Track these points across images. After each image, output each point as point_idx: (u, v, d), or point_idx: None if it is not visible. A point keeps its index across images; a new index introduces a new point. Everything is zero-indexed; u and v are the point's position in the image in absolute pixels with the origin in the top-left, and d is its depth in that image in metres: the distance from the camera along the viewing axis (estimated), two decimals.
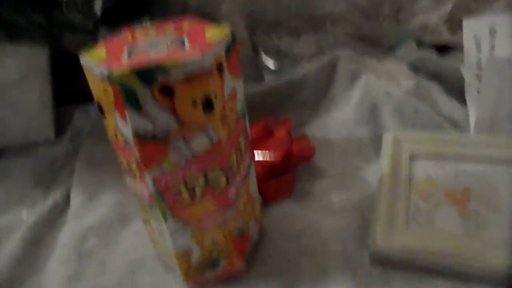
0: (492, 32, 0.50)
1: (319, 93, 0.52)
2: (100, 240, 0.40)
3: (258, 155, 0.40)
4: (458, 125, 0.46)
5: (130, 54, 0.25)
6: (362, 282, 0.33)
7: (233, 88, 0.28)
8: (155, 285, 0.35)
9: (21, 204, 0.46)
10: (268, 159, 0.40)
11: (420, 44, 0.62)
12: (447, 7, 0.59)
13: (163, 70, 0.23)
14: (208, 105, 0.25)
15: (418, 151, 0.42)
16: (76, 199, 0.45)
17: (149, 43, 0.27)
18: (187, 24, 0.29)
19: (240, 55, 0.53)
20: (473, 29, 0.51)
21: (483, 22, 0.51)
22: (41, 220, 0.43)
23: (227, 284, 0.34)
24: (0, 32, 0.45)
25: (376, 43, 0.63)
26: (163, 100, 0.24)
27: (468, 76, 0.49)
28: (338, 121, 0.50)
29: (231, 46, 0.27)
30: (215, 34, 0.27)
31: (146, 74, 0.23)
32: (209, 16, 0.51)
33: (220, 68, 0.25)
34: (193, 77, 0.24)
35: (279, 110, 0.51)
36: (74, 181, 0.47)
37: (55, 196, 0.46)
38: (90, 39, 0.44)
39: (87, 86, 0.27)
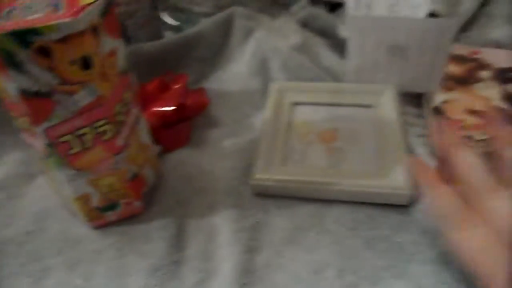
0: None
1: (215, 48, 0.56)
2: (5, 195, 0.42)
3: (153, 107, 0.44)
4: (337, 77, 0.53)
5: (7, 17, 0.27)
6: (244, 211, 0.39)
7: (113, 47, 0.31)
8: (63, 230, 0.39)
9: None
10: (162, 110, 0.44)
11: (313, 1, 0.67)
12: None
13: (38, 32, 0.26)
14: (86, 63, 0.28)
15: (298, 99, 0.48)
16: None
17: (26, 7, 0.29)
18: None
19: (139, 12, 0.55)
20: None
21: None
22: None
23: (128, 223, 0.39)
24: None
25: (273, 1, 0.67)
26: (42, 60, 0.27)
27: (346, 32, 0.55)
28: (234, 74, 0.54)
29: (106, 9, 0.30)
30: None
31: (22, 36, 0.26)
32: None
33: (95, 29, 0.28)
34: (68, 38, 0.27)
35: (178, 66, 0.54)
36: None
37: None
38: None
39: None
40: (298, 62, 0.52)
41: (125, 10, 0.53)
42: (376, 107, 0.47)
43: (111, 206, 0.37)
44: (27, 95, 0.28)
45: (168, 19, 0.57)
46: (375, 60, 0.47)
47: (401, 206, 0.39)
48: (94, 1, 0.29)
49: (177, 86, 0.47)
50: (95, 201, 0.36)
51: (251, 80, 0.53)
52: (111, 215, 0.38)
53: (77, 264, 0.36)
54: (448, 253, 0.35)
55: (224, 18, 0.56)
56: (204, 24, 0.55)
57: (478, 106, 0.47)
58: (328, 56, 0.55)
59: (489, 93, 0.48)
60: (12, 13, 0.28)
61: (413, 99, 0.49)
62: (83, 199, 0.36)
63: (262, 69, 0.53)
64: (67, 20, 0.26)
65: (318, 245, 0.36)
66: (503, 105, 0.47)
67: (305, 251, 0.36)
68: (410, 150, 0.43)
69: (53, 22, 0.26)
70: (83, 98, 0.30)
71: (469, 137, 0.43)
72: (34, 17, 0.27)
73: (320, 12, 0.61)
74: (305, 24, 0.60)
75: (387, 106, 0.46)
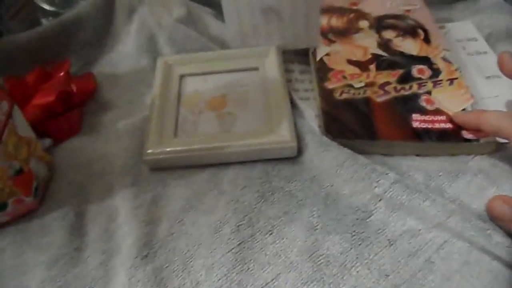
0: None
1: (99, 31, 0.54)
2: None
3: (35, 99, 0.42)
4: (226, 45, 0.54)
5: None
6: (141, 188, 0.40)
7: None
8: None
9: None
10: (44, 101, 0.42)
11: None
12: None
13: None
14: None
15: (186, 71, 0.49)
16: None
17: None
18: None
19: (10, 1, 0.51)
20: None
21: None
22: None
23: (23, 220, 0.38)
24: None
25: None
26: None
27: None
28: (123, 55, 0.53)
29: None
30: None
31: None
32: None
33: None
34: None
35: (60, 53, 0.52)
36: None
37: None
38: None
39: None
40: (184, 34, 0.52)
41: None
42: (261, 69, 0.48)
43: (0, 207, 0.36)
44: None
45: (45, 5, 0.55)
46: (253, 24, 0.49)
47: (291, 159, 0.42)
48: None
49: (60, 74, 0.46)
50: None
51: (140, 58, 0.52)
52: (2, 216, 0.37)
53: None
54: (333, 192, 0.38)
55: None
56: (83, 6, 0.53)
57: (358, 55, 0.50)
58: (214, 25, 0.55)
59: (367, 42, 0.52)
60: None
61: (299, 56, 0.52)
62: None
63: (150, 46, 0.53)
64: None
65: (216, 206, 0.38)
66: (380, 52, 0.50)
67: (203, 214, 0.38)
68: (295, 106, 0.45)
69: None
70: None
71: (350, 86, 0.46)
72: None
73: None
74: None
75: (272, 66, 0.48)
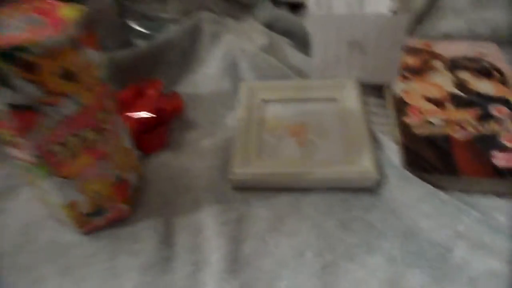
0: None
1: (186, 53, 0.58)
2: None
3: (132, 113, 0.46)
4: (303, 74, 0.56)
5: None
6: (226, 206, 0.42)
7: (92, 58, 0.33)
8: (52, 239, 0.40)
9: None
10: (140, 115, 0.45)
11: (275, 2, 0.70)
12: None
13: (25, 49, 0.27)
14: (68, 75, 0.30)
15: (268, 97, 0.51)
16: None
17: (5, 23, 0.30)
18: (39, 3, 0.33)
19: (108, 21, 0.56)
20: None
21: None
22: None
23: (116, 226, 0.40)
24: None
25: (237, 2, 0.69)
26: (28, 74, 0.29)
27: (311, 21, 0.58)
28: (205, 77, 0.56)
29: (85, 23, 0.32)
30: (68, 13, 0.31)
31: (9, 53, 0.27)
32: None
33: (76, 43, 0.30)
34: (52, 53, 0.28)
35: (151, 72, 0.56)
36: None
37: None
38: None
39: None
40: (265, 62, 0.55)
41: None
42: (340, 100, 0.50)
43: (99, 211, 0.39)
44: (14, 109, 0.30)
45: (137, 27, 0.59)
46: (337, 56, 0.51)
47: (370, 189, 0.42)
48: (75, 16, 0.30)
49: (152, 92, 0.49)
50: (83, 207, 0.38)
51: (221, 82, 0.55)
52: (99, 220, 0.39)
53: (70, 270, 0.37)
54: (413, 226, 0.39)
55: (192, 24, 0.58)
56: (174, 30, 0.57)
57: (434, 93, 0.51)
58: (294, 55, 0.58)
59: (443, 81, 0.53)
60: None
61: (375, 90, 0.53)
62: (72, 206, 0.37)
63: (232, 71, 0.56)
64: (51, 36, 0.28)
65: (298, 230, 0.39)
66: (456, 91, 0.51)
67: (286, 236, 0.39)
68: (373, 138, 0.47)
69: (38, 39, 0.28)
70: (67, 108, 0.31)
71: (428, 122, 0.47)
72: (19, 33, 0.28)
73: (284, 13, 0.64)
74: (270, 26, 0.63)
75: (350, 98, 0.50)
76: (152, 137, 0.46)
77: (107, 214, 0.39)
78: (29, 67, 0.28)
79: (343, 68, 0.52)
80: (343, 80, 0.52)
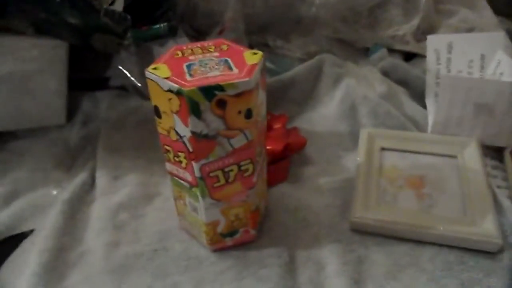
0: (449, 48, 0.62)
1: (307, 91, 0.61)
2: (130, 214, 0.48)
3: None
4: (418, 125, 0.58)
5: (190, 72, 0.33)
6: (346, 246, 0.43)
7: (262, 98, 0.37)
8: (185, 250, 0.44)
9: (46, 183, 0.53)
10: (272, 148, 0.49)
11: (390, 51, 0.72)
12: (415, 20, 0.70)
13: (222, 89, 0.32)
14: (249, 114, 0.34)
15: (387, 145, 0.53)
16: (101, 180, 0.52)
17: (201, 62, 0.35)
18: (225, 46, 0.37)
19: None
20: (434, 44, 0.62)
21: (443, 38, 0.62)
22: (74, 196, 0.50)
23: (242, 249, 0.43)
24: (30, 27, 0.50)
25: (353, 47, 0.73)
26: (217, 110, 0.33)
27: (429, 83, 0.60)
28: (323, 116, 0.59)
29: (263, 66, 0.36)
30: (252, 58, 0.35)
31: (209, 91, 0.32)
32: (215, 18, 0.59)
33: (257, 86, 0.34)
34: (241, 94, 0.33)
35: (273, 106, 0.60)
36: (98, 164, 0.54)
37: (81, 177, 0.53)
38: (117, 39, 0.50)
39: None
40: (385, 110, 0.57)
41: None
42: (460, 158, 0.51)
43: (232, 233, 0.42)
44: (197, 137, 0.34)
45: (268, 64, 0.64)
46: (460, 116, 0.52)
47: (490, 253, 0.43)
48: (258, 62, 0.34)
49: (277, 126, 0.53)
50: (221, 227, 0.41)
51: (339, 123, 0.58)
52: (229, 241, 0.43)
53: (202, 282, 0.41)
54: None
55: (315, 64, 0.62)
56: (298, 69, 0.61)
57: None
58: (410, 106, 0.60)
59: None
60: (192, 69, 0.34)
61: (494, 152, 0.53)
62: (212, 225, 0.41)
63: (350, 114, 0.58)
64: (245, 79, 0.32)
65: (417, 281, 0.40)
66: None
67: (405, 286, 0.40)
68: (494, 200, 0.47)
69: (234, 81, 0.32)
70: (238, 141, 0.35)
71: None
72: (215, 74, 0.33)
73: (401, 63, 0.66)
74: (386, 73, 0.65)
75: (471, 157, 0.50)
76: (276, 169, 0.50)
77: (238, 236, 0.43)
78: (220, 104, 0.32)
79: (464, 128, 0.52)
80: (465, 139, 0.52)
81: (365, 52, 0.72)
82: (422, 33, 0.73)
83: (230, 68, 0.34)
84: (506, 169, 0.51)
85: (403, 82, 0.64)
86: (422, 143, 0.53)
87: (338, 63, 0.63)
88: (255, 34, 0.66)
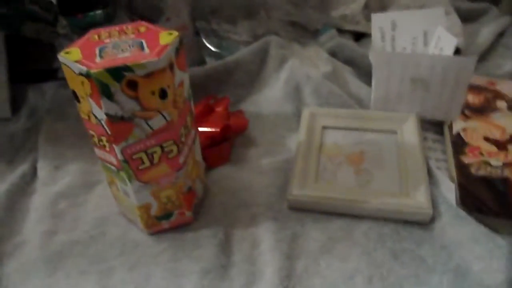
0: (393, 25, 0.62)
1: (252, 74, 0.61)
2: (69, 202, 0.48)
3: (200, 128, 0.49)
4: (363, 103, 0.58)
5: (101, 55, 0.33)
6: (282, 223, 0.44)
7: (182, 79, 0.37)
8: (122, 235, 0.44)
9: None
10: (210, 130, 0.49)
11: (340, 31, 0.72)
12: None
13: (130, 69, 0.32)
14: (163, 94, 0.34)
15: (329, 124, 0.53)
16: (43, 170, 0.52)
17: (114, 44, 0.34)
18: (143, 27, 0.37)
19: (186, 39, 0.61)
20: (379, 22, 0.63)
21: (387, 16, 0.63)
22: (12, 188, 0.49)
23: (179, 231, 0.44)
24: None
25: (303, 28, 0.73)
26: (129, 91, 0.33)
27: (376, 57, 0.60)
28: (269, 98, 0.60)
29: (179, 48, 0.36)
30: (167, 39, 0.35)
31: (117, 72, 0.31)
32: (156, 5, 0.58)
33: (171, 66, 0.34)
34: (152, 74, 0.32)
35: (219, 89, 0.60)
36: (39, 154, 0.53)
37: (21, 169, 0.52)
38: (49, 27, 0.49)
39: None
40: (328, 89, 0.57)
41: None
42: (399, 133, 0.51)
43: (167, 215, 0.42)
44: (113, 119, 0.34)
45: (210, 46, 0.63)
46: (399, 91, 0.52)
47: (422, 224, 0.43)
48: (172, 41, 0.34)
49: (219, 109, 0.53)
50: (154, 210, 0.41)
51: (284, 104, 0.58)
52: (165, 223, 0.43)
53: (137, 265, 0.41)
54: (464, 265, 0.39)
55: (260, 47, 0.62)
56: (243, 52, 0.61)
57: (495, 134, 0.51)
58: (355, 84, 0.60)
59: (505, 122, 0.53)
60: (104, 51, 0.33)
61: (434, 126, 0.54)
62: (145, 208, 0.41)
63: (295, 95, 0.58)
64: (153, 59, 0.32)
65: (350, 255, 0.41)
66: None
67: (338, 260, 0.41)
68: (429, 173, 0.48)
69: (142, 61, 0.32)
70: (157, 122, 0.35)
71: (487, 163, 0.47)
72: (125, 55, 0.33)
73: (348, 42, 0.66)
74: (334, 53, 0.65)
75: (410, 132, 0.51)
76: (217, 152, 0.50)
77: (173, 219, 0.43)
78: (131, 85, 0.32)
79: (404, 103, 0.53)
80: (404, 114, 0.53)
81: (316, 34, 0.72)
82: (373, 12, 0.73)
83: (142, 49, 0.33)
84: (445, 142, 0.52)
85: (350, 62, 0.64)
86: (364, 120, 0.53)
87: (284, 44, 0.63)
88: (202, 19, 0.66)
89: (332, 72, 0.60)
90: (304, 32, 0.70)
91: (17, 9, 0.45)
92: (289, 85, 0.59)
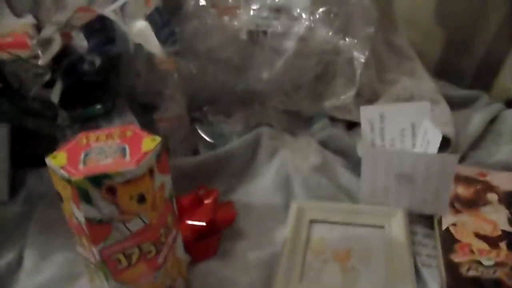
0: (382, 118, 0.64)
1: (244, 165, 0.63)
2: None
3: (187, 221, 0.50)
4: (352, 195, 0.59)
5: (84, 161, 0.35)
6: None
7: (162, 182, 0.38)
8: None
9: None
10: (195, 224, 0.49)
11: (333, 119, 0.75)
12: (351, 91, 0.73)
13: (108, 177, 0.33)
14: (141, 199, 0.35)
15: (316, 217, 0.53)
16: (29, 260, 0.52)
17: (99, 150, 0.36)
18: (130, 132, 0.39)
19: (181, 128, 0.63)
20: (368, 114, 0.65)
21: (375, 109, 0.65)
22: None
23: None
24: None
25: (297, 116, 0.75)
26: (108, 196, 0.34)
27: (362, 153, 0.61)
28: (260, 189, 0.60)
29: (161, 152, 0.37)
30: (149, 145, 0.36)
31: (97, 180, 0.33)
32: (156, 97, 0.62)
33: (151, 172, 0.35)
34: (130, 181, 0.34)
35: (211, 179, 0.61)
36: (28, 242, 0.54)
37: (8, 257, 0.52)
38: (49, 122, 0.53)
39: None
40: (317, 182, 0.58)
41: (167, 127, 0.62)
42: (387, 228, 0.51)
43: None
44: (91, 222, 0.35)
45: (204, 135, 0.66)
46: (385, 185, 0.53)
47: None
48: (154, 148, 0.36)
49: (208, 201, 0.54)
50: None
51: (274, 195, 0.59)
52: None
53: None
54: None
55: (252, 138, 0.64)
56: (235, 143, 0.63)
57: (486, 230, 0.50)
58: (345, 176, 0.61)
59: (497, 217, 0.52)
60: (88, 157, 0.35)
61: (425, 219, 0.54)
62: None
63: (285, 186, 0.59)
64: (130, 168, 0.33)
65: None
66: (510, 229, 0.50)
67: None
68: (417, 273, 0.46)
69: (120, 170, 0.33)
70: (135, 225, 0.36)
71: (478, 262, 0.46)
72: (107, 162, 0.34)
73: (339, 133, 0.68)
74: (325, 144, 0.67)
75: (398, 228, 0.51)
76: (203, 246, 0.50)
77: None
78: (110, 191, 0.34)
79: (391, 197, 0.53)
80: (392, 208, 0.53)
81: (309, 122, 0.74)
82: (366, 102, 0.76)
83: (124, 156, 0.35)
84: (435, 237, 0.52)
85: (341, 152, 0.66)
86: (351, 214, 0.53)
87: (275, 135, 0.66)
88: (198, 110, 0.69)
89: (322, 164, 0.61)
90: (297, 120, 0.73)
91: (19, 106, 0.49)
92: (279, 176, 0.60)
